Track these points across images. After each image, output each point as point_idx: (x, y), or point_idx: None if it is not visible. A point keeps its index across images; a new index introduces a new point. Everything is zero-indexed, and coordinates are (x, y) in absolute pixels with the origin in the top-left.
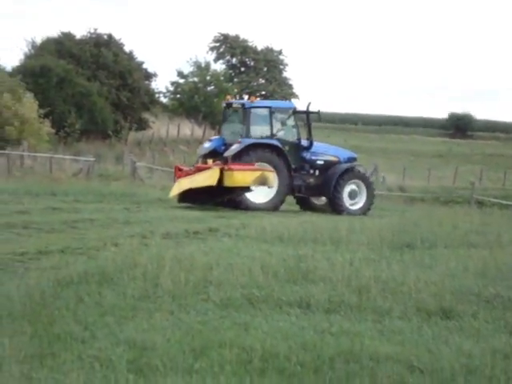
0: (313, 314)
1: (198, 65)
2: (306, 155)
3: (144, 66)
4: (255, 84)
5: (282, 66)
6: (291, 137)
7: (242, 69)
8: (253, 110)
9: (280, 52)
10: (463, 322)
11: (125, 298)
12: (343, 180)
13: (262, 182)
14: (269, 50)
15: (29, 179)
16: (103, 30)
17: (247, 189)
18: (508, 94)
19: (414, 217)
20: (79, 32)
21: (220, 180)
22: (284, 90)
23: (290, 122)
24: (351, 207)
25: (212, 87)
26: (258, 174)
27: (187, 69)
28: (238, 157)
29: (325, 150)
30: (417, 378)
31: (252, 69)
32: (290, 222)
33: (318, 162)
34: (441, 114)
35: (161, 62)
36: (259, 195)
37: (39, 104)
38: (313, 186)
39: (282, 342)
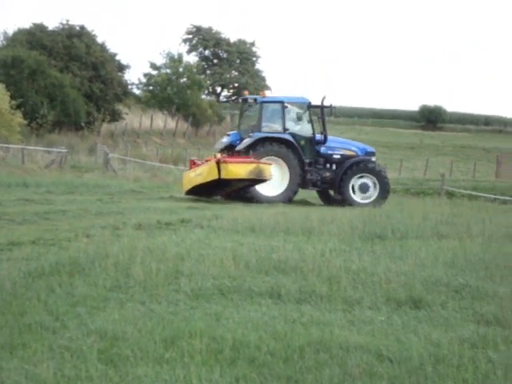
0: (284, 304)
1: (170, 56)
2: (322, 150)
3: (117, 57)
4: (228, 76)
5: (254, 58)
6: (306, 131)
7: (215, 61)
8: (264, 105)
9: (253, 44)
10: (432, 312)
11: (96, 289)
12: (351, 173)
13: (258, 174)
14: (241, 42)
15: (1, 170)
16: (75, 22)
17: (255, 182)
18: (478, 86)
19: (385, 208)
20: (51, 23)
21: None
22: (257, 81)
23: (305, 116)
24: (362, 201)
25: (185, 79)
26: (253, 166)
27: (160, 60)
28: (249, 151)
29: (341, 145)
30: (386, 367)
31: (225, 61)
32: (262, 213)
33: (335, 157)
34: (412, 106)
35: (134, 54)
36: (271, 188)
37: (11, 95)
38: (329, 180)
39: (253, 332)
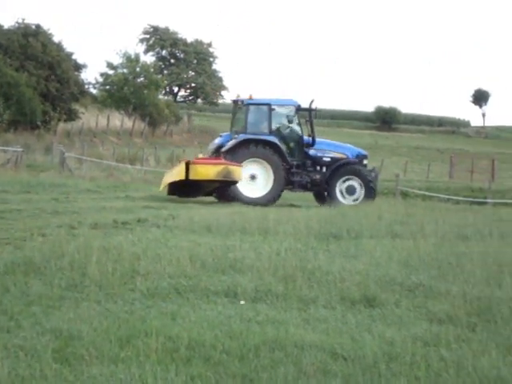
0: (239, 303)
1: (127, 56)
2: (312, 152)
3: (73, 56)
4: (185, 76)
5: (211, 59)
6: (294, 134)
7: (172, 61)
8: (251, 107)
9: (210, 44)
10: (386, 310)
11: (52, 288)
12: (337, 176)
13: (226, 175)
14: (198, 43)
15: None
16: (31, 21)
17: (226, 183)
18: (433, 88)
19: (340, 208)
20: (7, 22)
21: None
22: (214, 82)
23: (293, 118)
24: (350, 202)
25: (142, 79)
26: (221, 167)
27: (117, 60)
28: (232, 152)
29: (331, 147)
30: (340, 365)
31: (182, 61)
32: (219, 213)
33: (325, 159)
34: (367, 107)
35: (90, 54)
36: (254, 190)
37: None
38: (319, 182)
39: (209, 331)
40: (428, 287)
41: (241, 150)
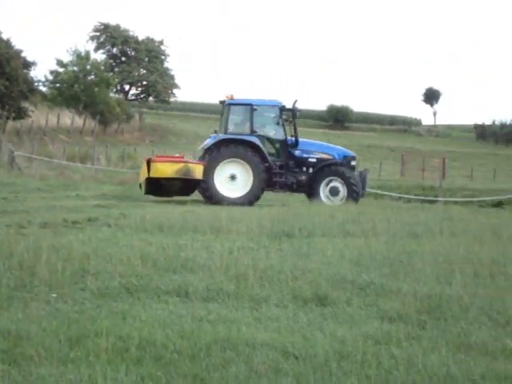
0: (191, 303)
1: (77, 54)
2: (297, 153)
3: (22, 54)
4: (136, 74)
5: (163, 57)
6: (277, 134)
7: (123, 58)
8: (232, 107)
9: (161, 42)
10: (337, 309)
11: (0, 288)
12: (320, 177)
13: (186, 173)
14: (150, 40)
15: None
16: None
17: (189, 181)
18: (384, 86)
19: (293, 207)
20: None
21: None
22: (166, 80)
23: (276, 119)
24: (335, 204)
25: (92, 76)
26: (180, 165)
27: (67, 58)
28: (211, 152)
29: (317, 148)
30: (291, 364)
31: (133, 59)
32: (171, 212)
33: (311, 160)
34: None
35: (40, 51)
36: (233, 190)
37: None
38: (304, 183)
39: (160, 331)
40: (379, 285)
41: (220, 150)
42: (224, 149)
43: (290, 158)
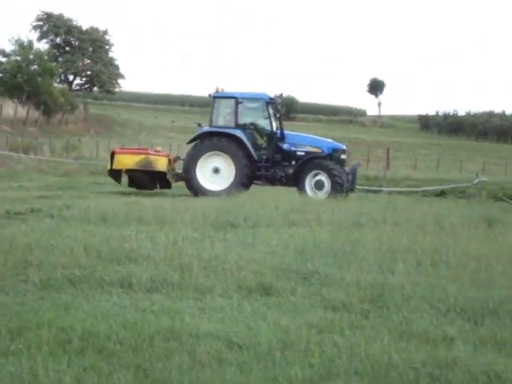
0: (135, 293)
1: (20, 43)
2: (285, 146)
3: None
4: (81, 64)
5: (107, 47)
6: (263, 127)
7: (67, 48)
8: (217, 100)
9: (105, 32)
10: (282, 298)
11: None
12: (305, 170)
13: (146, 165)
14: (94, 30)
15: None
16: None
17: (155, 173)
18: (330, 77)
19: (238, 197)
20: None
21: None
22: (110, 70)
23: (263, 112)
24: (320, 197)
25: (36, 66)
26: (140, 157)
27: (9, 47)
28: (194, 144)
29: (306, 141)
30: (235, 354)
31: (77, 48)
32: (116, 202)
33: (298, 154)
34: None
35: None
36: (217, 183)
37: None
38: (292, 177)
39: (103, 322)
40: (323, 275)
41: (203, 143)
42: (207, 142)
43: (278, 151)
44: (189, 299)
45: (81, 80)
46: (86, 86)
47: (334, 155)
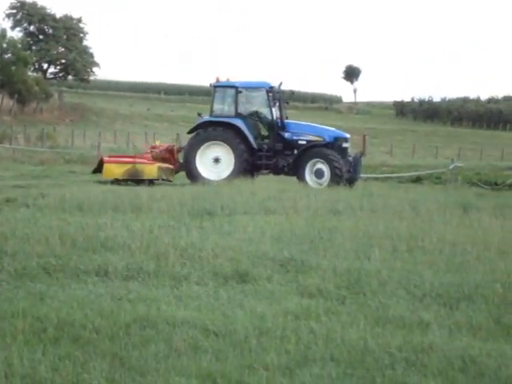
0: (111, 282)
1: None
2: (287, 135)
3: None
4: (55, 52)
5: (82, 35)
6: (264, 116)
7: (41, 36)
8: (217, 89)
9: (80, 20)
10: (258, 286)
11: None
12: (305, 159)
13: (134, 175)
14: (68, 18)
15: None
16: None
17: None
18: (306, 64)
19: (215, 185)
20: None
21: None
22: (85, 58)
23: (264, 101)
24: (320, 186)
25: (9, 55)
26: (128, 167)
27: None
28: (193, 134)
29: (307, 130)
30: (211, 341)
31: (51, 37)
32: (91, 191)
33: (300, 143)
34: None
35: None
36: (217, 173)
37: None
38: (293, 165)
39: (78, 310)
40: (299, 261)
41: (201, 133)
42: (207, 131)
43: (280, 140)
44: (165, 287)
45: (55, 68)
46: (61, 75)
47: (335, 144)
